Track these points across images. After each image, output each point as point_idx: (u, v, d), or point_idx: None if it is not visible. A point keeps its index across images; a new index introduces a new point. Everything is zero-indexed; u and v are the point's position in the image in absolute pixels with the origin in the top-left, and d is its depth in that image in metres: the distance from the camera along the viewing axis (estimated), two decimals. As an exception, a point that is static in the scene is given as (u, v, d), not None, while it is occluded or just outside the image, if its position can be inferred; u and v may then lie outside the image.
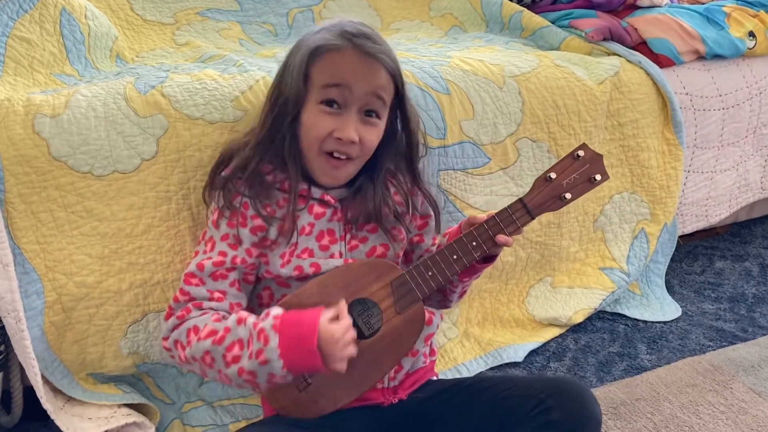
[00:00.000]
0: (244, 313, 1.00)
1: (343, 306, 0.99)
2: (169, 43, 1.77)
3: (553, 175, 1.10)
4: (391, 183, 1.15)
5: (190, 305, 1.04)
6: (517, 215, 1.09)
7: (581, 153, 1.11)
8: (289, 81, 1.07)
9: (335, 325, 0.95)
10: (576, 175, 1.11)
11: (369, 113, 1.07)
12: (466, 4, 2.02)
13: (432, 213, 1.21)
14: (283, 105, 1.07)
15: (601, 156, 1.12)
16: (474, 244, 1.08)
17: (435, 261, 1.07)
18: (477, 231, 1.08)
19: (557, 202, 1.11)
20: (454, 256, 1.08)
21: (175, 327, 1.04)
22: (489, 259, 1.13)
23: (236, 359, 0.97)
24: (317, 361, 0.93)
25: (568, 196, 1.10)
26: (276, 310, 0.98)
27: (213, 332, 1.00)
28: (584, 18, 1.81)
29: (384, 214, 1.11)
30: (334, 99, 1.04)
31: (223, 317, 1.03)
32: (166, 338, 1.06)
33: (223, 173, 1.11)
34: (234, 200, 1.07)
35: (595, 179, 1.11)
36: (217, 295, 1.05)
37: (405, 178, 1.17)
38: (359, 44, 1.04)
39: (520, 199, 1.10)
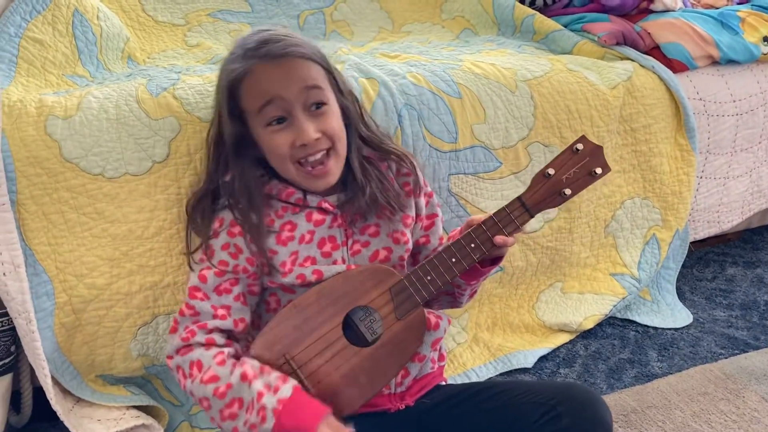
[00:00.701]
0: (249, 370, 0.98)
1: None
2: (180, 44, 1.77)
3: (551, 171, 1.07)
4: (391, 180, 1.13)
5: (194, 327, 1.03)
6: (516, 214, 1.06)
7: (580, 146, 1.06)
8: (221, 122, 1.08)
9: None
10: (576, 169, 1.07)
11: (317, 106, 1.05)
12: (477, 7, 2.01)
13: (438, 213, 1.21)
14: (221, 146, 1.08)
15: (601, 148, 1.07)
16: (472, 245, 1.05)
17: (433, 265, 1.05)
18: (475, 232, 1.05)
19: (557, 198, 1.07)
20: (453, 259, 1.05)
21: (178, 350, 1.04)
22: (494, 260, 1.11)
23: (233, 416, 0.97)
24: None
25: (568, 191, 1.07)
26: (285, 391, 0.95)
27: (215, 379, 0.99)
28: (597, 22, 1.80)
29: (379, 204, 1.09)
30: (274, 115, 1.03)
31: (228, 356, 1.01)
32: (170, 357, 1.05)
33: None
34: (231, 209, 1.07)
35: (596, 173, 1.07)
36: (221, 312, 1.04)
37: (405, 176, 1.15)
38: (264, 54, 1.03)
39: (519, 197, 1.07)
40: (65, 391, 1.24)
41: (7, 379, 1.22)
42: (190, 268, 1.10)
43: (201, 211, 1.10)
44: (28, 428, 1.32)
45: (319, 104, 1.05)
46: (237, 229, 1.06)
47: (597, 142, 1.57)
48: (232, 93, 1.05)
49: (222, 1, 1.93)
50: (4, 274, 1.11)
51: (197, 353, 1.02)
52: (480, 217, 1.07)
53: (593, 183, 1.08)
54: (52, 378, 1.19)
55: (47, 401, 1.18)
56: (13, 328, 1.17)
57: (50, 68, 1.37)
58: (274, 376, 0.97)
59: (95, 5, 1.53)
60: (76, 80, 1.40)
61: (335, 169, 1.07)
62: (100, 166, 1.19)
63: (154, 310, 1.25)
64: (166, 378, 1.36)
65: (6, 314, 1.17)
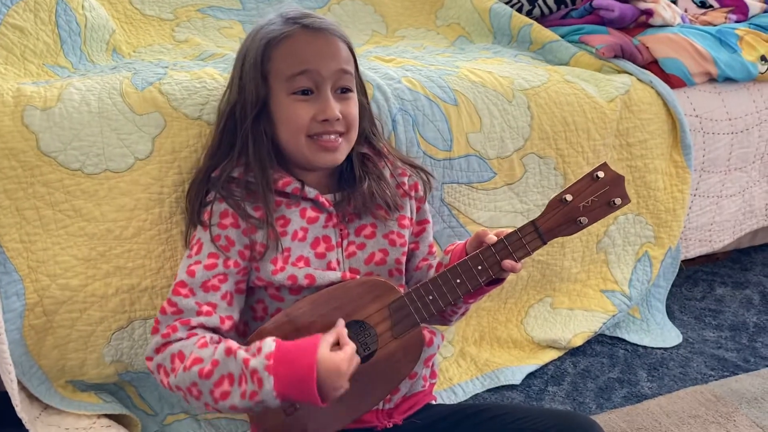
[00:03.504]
0: (233, 344, 0.93)
1: (342, 329, 0.93)
2: (167, 39, 1.72)
3: (568, 197, 1.02)
4: (390, 174, 1.11)
5: (176, 323, 0.97)
6: (528, 239, 1.01)
7: (601, 174, 1.01)
8: (243, 85, 1.04)
9: (339, 355, 0.89)
10: (594, 197, 1.02)
11: (343, 90, 1.05)
12: (474, 15, 1.98)
13: (429, 219, 1.18)
14: (241, 110, 1.04)
15: (622, 177, 1.03)
16: (479, 268, 1.00)
17: (436, 284, 1.00)
18: (483, 254, 1.00)
19: (572, 226, 1.02)
20: (458, 280, 1.00)
21: (158, 348, 0.97)
22: (495, 281, 1.06)
23: (225, 395, 0.90)
24: (315, 400, 0.87)
25: (584, 220, 1.01)
26: (267, 346, 0.90)
27: (199, 360, 0.92)
28: (595, 34, 1.78)
29: (375, 203, 1.06)
30: (305, 87, 1.02)
31: (211, 341, 0.95)
32: (149, 358, 0.98)
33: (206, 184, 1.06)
34: (221, 201, 1.03)
35: (615, 203, 1.01)
36: (206, 308, 0.98)
37: (400, 176, 1.12)
38: (307, 23, 1.03)
39: (532, 222, 1.02)
40: (32, 398, 1.18)
41: (-29, 383, 1.16)
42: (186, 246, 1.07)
43: (194, 196, 1.07)
44: (-9, 435, 1.26)
45: (345, 89, 1.05)
46: (228, 221, 1.02)
47: (593, 155, 1.56)
48: (265, 53, 1.02)
49: (212, -3, 1.88)
50: (-29, 271, 1.05)
51: (177, 345, 0.95)
52: (490, 237, 1.01)
53: (611, 213, 1.03)
54: (19, 383, 1.13)
55: (13, 406, 1.11)
56: (-21, 330, 1.11)
57: (30, 57, 1.31)
58: (255, 344, 0.92)
59: (80, -6, 1.47)
60: (58, 71, 1.34)
61: (344, 150, 1.06)
62: (80, 161, 1.13)
63: (131, 314, 1.19)
64: (140, 385, 1.30)
65: (-28, 314, 1.10)
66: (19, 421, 1.13)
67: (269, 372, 0.87)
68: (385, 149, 1.15)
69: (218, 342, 0.94)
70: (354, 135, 1.06)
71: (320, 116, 1.01)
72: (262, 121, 1.04)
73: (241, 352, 0.91)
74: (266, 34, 1.03)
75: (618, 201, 1.02)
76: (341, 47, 1.04)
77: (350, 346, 0.91)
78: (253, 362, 0.89)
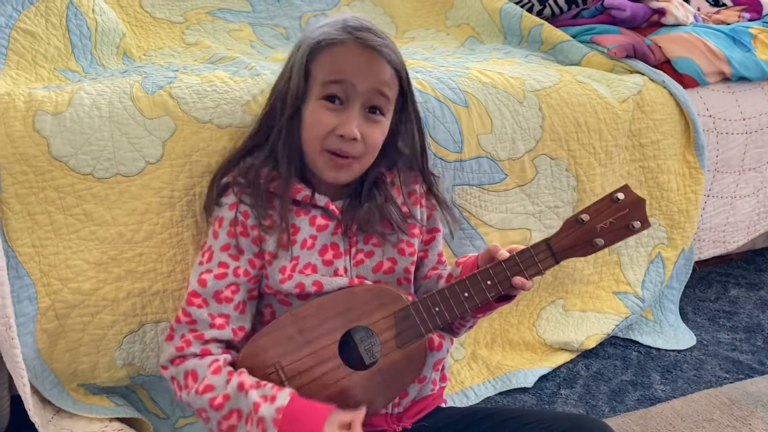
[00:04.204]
0: (246, 380, 0.93)
1: (359, 417, 0.91)
2: (177, 42, 1.72)
3: (585, 218, 0.99)
4: (397, 191, 1.10)
5: (190, 336, 0.99)
6: (540, 257, 0.98)
7: (621, 196, 0.99)
8: (291, 76, 1.04)
9: None
10: (612, 219, 0.99)
11: (373, 110, 1.02)
12: (483, 15, 1.97)
13: (440, 227, 1.16)
14: (283, 100, 1.04)
15: (644, 201, 1.00)
16: (489, 283, 0.98)
17: (444, 296, 0.99)
18: (494, 270, 0.98)
19: (587, 247, 0.99)
20: (465, 294, 0.98)
21: (173, 360, 0.99)
22: (506, 297, 1.04)
23: (232, 429, 0.92)
24: None
25: (600, 242, 0.99)
26: (281, 399, 0.90)
27: (210, 388, 0.94)
28: (607, 34, 1.76)
29: (380, 222, 1.05)
30: (335, 94, 1.00)
31: (224, 363, 0.96)
32: (165, 367, 1.00)
33: (223, 180, 1.06)
34: (231, 208, 1.03)
35: (634, 227, 0.98)
36: (218, 321, 0.99)
37: (411, 185, 1.11)
38: (361, 37, 1.00)
39: (546, 241, 0.99)
40: (45, 401, 1.18)
41: (-16, 386, 1.17)
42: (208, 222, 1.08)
43: (219, 177, 1.07)
44: (4, 438, 1.26)
45: (376, 109, 1.03)
46: (239, 229, 1.02)
47: (605, 156, 1.55)
48: (312, 53, 1.02)
49: (222, 0, 1.88)
50: (-17, 276, 1.05)
51: (192, 363, 0.97)
52: (503, 252, 1.00)
53: (629, 237, 1.01)
54: (32, 387, 1.13)
55: (26, 410, 1.11)
56: (-8, 334, 1.11)
57: (41, 62, 1.32)
58: (270, 386, 0.93)
59: (91, -2, 1.48)
60: (69, 75, 1.34)
61: (354, 172, 1.04)
62: (90, 165, 1.13)
63: (142, 318, 1.19)
64: (151, 388, 1.30)
65: (-15, 318, 1.11)
66: (32, 424, 1.12)
67: (275, 426, 0.88)
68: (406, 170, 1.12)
69: (231, 365, 0.96)
70: (369, 160, 1.04)
71: (339, 130, 1.00)
72: (295, 118, 1.04)
73: (253, 393, 0.92)
74: (321, 35, 1.02)
75: (637, 224, 0.99)
76: (385, 69, 1.01)
77: None
78: (263, 410, 0.90)
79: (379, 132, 1.03)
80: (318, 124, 1.01)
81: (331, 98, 1.00)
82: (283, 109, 1.04)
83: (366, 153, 1.03)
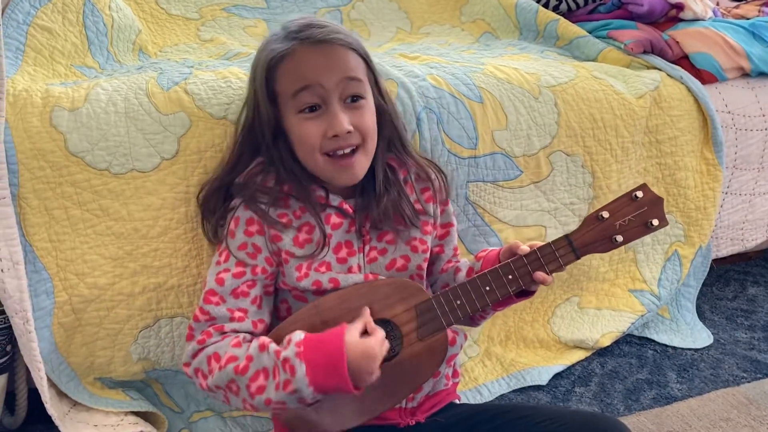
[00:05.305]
0: (265, 339, 0.95)
1: (368, 317, 0.94)
2: (193, 38, 1.73)
3: (605, 214, 1.02)
4: (410, 188, 1.09)
5: (210, 329, 0.99)
6: (561, 252, 1.01)
7: (639, 194, 1.02)
8: (257, 104, 1.03)
9: (368, 340, 0.90)
10: (631, 217, 1.02)
11: (353, 99, 1.01)
12: (499, 10, 1.96)
13: (453, 222, 1.16)
14: (259, 129, 1.04)
15: (662, 200, 1.03)
16: (510, 277, 1.00)
17: (465, 290, 1.00)
18: (515, 264, 1.00)
19: (607, 243, 1.02)
20: (487, 288, 1.00)
21: (195, 353, 0.99)
22: (525, 293, 1.05)
23: (261, 389, 0.92)
24: (347, 385, 0.88)
25: (620, 238, 1.01)
26: (297, 336, 0.92)
27: (234, 358, 0.94)
28: (624, 29, 1.75)
29: (394, 216, 1.05)
30: (309, 103, 0.99)
31: (244, 340, 0.97)
32: (187, 364, 1.00)
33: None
34: (246, 208, 1.03)
35: (652, 224, 1.02)
36: (237, 314, 1.00)
37: (423, 181, 1.10)
38: (306, 36, 0.99)
39: (566, 236, 1.02)
40: (61, 394, 1.19)
41: (2, 379, 1.18)
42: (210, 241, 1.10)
43: (213, 205, 1.08)
44: (22, 430, 1.27)
45: (356, 97, 1.01)
46: (254, 228, 1.02)
47: (621, 153, 1.54)
48: (269, 74, 1.01)
49: (237, -4, 1.88)
50: (2, 270, 1.06)
51: (212, 348, 0.97)
52: (524, 248, 1.01)
53: (647, 234, 1.03)
54: (49, 380, 1.15)
55: (43, 403, 1.13)
56: (10, 327, 1.12)
57: (58, 58, 1.33)
58: (285, 338, 0.94)
59: (108, -5, 1.49)
60: (85, 71, 1.35)
61: (363, 164, 1.03)
62: (107, 161, 1.14)
63: (157, 312, 1.20)
64: (166, 383, 1.31)
65: (2, 312, 1.12)
66: (49, 417, 1.14)
67: (300, 359, 0.89)
68: (411, 161, 1.11)
69: (251, 340, 0.96)
70: (372, 145, 1.03)
71: (330, 132, 0.98)
72: (280, 140, 1.03)
73: (273, 345, 0.93)
74: (268, 55, 1.01)
75: (655, 222, 1.02)
76: (345, 55, 1.00)
77: (379, 331, 0.92)
78: (285, 352, 0.90)
79: (368, 114, 1.02)
80: (307, 136, 0.99)
81: (310, 108, 0.99)
82: (263, 137, 1.04)
83: (365, 138, 1.02)
